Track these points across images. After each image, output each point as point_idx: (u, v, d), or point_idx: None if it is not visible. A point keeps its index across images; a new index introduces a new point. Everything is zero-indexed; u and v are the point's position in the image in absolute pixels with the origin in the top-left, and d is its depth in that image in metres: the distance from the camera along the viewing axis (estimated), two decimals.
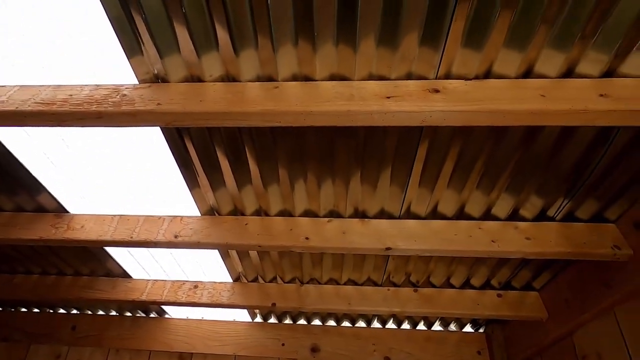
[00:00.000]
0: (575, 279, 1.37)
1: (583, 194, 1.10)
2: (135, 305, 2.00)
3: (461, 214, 1.22)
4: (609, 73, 0.77)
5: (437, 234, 1.15)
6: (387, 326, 2.07)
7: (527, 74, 0.79)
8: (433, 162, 1.02)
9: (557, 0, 0.67)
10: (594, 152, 0.95)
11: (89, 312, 2.15)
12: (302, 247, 1.18)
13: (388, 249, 1.13)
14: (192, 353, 2.05)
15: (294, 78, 0.84)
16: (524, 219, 1.20)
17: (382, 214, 1.23)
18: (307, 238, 1.16)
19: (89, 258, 1.66)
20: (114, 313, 2.15)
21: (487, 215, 1.22)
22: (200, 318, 2.16)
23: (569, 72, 0.77)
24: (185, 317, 2.14)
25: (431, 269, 1.54)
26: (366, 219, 1.21)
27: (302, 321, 2.09)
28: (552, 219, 1.19)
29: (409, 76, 0.80)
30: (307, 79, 0.84)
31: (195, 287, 1.71)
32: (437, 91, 0.75)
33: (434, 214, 1.22)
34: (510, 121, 0.74)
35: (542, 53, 0.75)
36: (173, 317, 2.14)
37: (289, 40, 0.78)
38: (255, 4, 0.73)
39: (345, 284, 1.67)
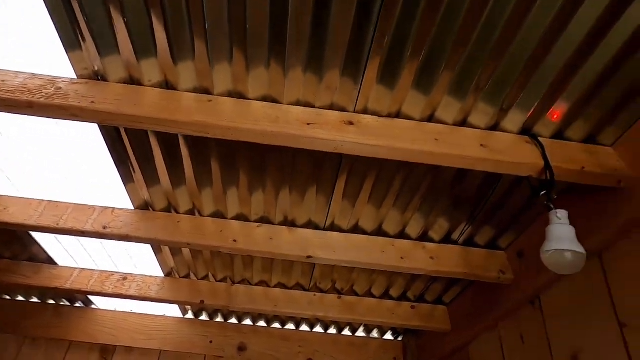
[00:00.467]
0: (475, 296, 1.55)
1: (481, 222, 1.27)
2: (59, 293, 1.94)
3: (379, 231, 1.35)
4: (494, 126, 0.92)
5: (355, 247, 1.27)
6: (314, 330, 2.18)
7: (430, 118, 0.92)
8: (353, 182, 1.14)
9: (459, 49, 0.80)
10: (488, 186, 1.11)
11: (7, 298, 2.05)
12: (230, 249, 1.24)
13: (309, 257, 1.24)
14: (116, 346, 2.02)
15: (229, 94, 0.92)
16: (432, 241, 1.36)
17: (309, 224, 1.33)
18: (235, 240, 1.23)
19: (12, 241, 1.60)
20: (35, 300, 2.07)
21: (402, 234, 1.36)
22: (129, 311, 2.13)
23: (463, 122, 0.92)
24: (112, 309, 2.11)
25: (354, 278, 1.66)
26: (294, 228, 1.31)
27: (233, 320, 2.15)
28: (455, 242, 1.36)
29: (331, 106, 0.91)
30: (241, 96, 0.92)
31: (125, 279, 1.71)
32: (351, 124, 0.86)
33: (355, 229, 1.34)
34: (409, 158, 0.87)
35: (443, 99, 0.88)
36: (100, 308, 2.10)
37: (225, 57, 0.85)
38: (194, 16, 0.78)
39: (275, 286, 1.75)
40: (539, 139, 0.91)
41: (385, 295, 1.79)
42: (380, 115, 0.90)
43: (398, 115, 0.91)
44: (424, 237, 1.36)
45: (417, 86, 0.86)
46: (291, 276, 1.67)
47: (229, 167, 1.14)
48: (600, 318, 0.97)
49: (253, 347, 2.02)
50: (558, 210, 0.80)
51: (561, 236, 0.76)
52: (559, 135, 0.94)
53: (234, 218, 1.30)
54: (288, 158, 1.08)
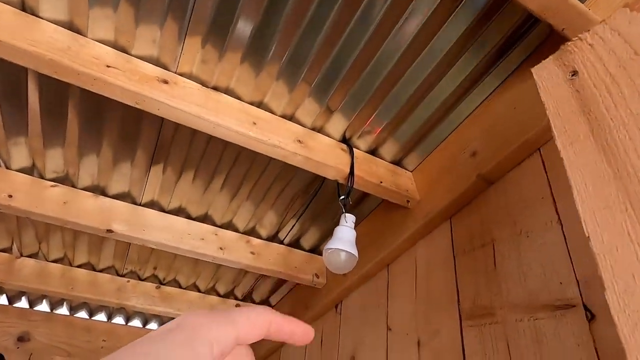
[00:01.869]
0: (294, 298, 1.59)
1: (307, 224, 1.32)
2: None
3: (205, 217, 1.28)
4: (319, 129, 0.96)
5: (171, 230, 1.17)
6: (131, 323, 1.95)
7: (259, 103, 0.91)
8: (176, 156, 1.04)
9: (292, 29, 0.79)
10: (312, 188, 1.15)
11: None
12: (1, 205, 1.00)
13: (109, 231, 1.08)
14: None
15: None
16: (259, 236, 1.35)
17: (124, 196, 1.17)
18: (10, 196, 0.99)
19: None
20: None
21: (229, 225, 1.31)
22: None
23: (291, 116, 0.93)
24: None
25: (178, 266, 1.54)
26: (101, 197, 1.13)
27: (21, 304, 1.76)
28: (281, 242, 1.38)
29: (147, 58, 0.80)
30: (32, 12, 0.75)
31: None
32: (165, 82, 0.78)
33: (179, 211, 1.24)
34: (222, 135, 0.82)
35: (273, 86, 0.87)
36: None
37: None
38: None
39: (79, 266, 1.49)
40: (354, 150, 0.98)
41: (212, 290, 1.71)
42: (206, 85, 0.84)
43: (227, 91, 0.87)
44: (252, 232, 1.34)
45: (249, 64, 0.83)
46: (100, 256, 1.45)
47: (14, 100, 0.92)
48: (375, 323, 1.08)
49: (40, 337, 1.68)
50: (347, 215, 0.86)
51: (343, 237, 0.81)
52: (373, 152, 1.03)
53: (21, 170, 1.06)
54: (106, 109, 0.92)
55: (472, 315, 0.77)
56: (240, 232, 1.32)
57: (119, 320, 1.94)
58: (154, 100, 0.75)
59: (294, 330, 0.25)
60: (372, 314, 1.11)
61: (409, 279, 1.00)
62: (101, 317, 1.90)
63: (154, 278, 1.61)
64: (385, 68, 0.81)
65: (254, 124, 0.84)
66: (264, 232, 1.34)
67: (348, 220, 0.84)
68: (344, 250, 0.79)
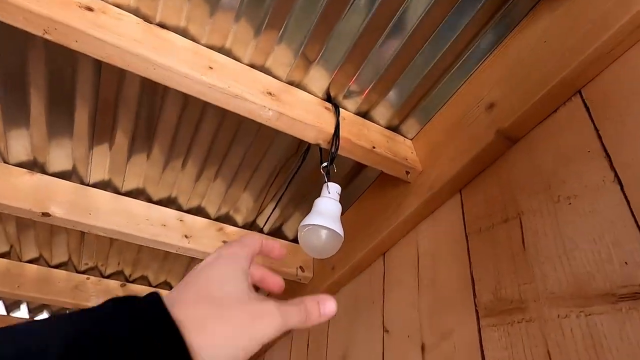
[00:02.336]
0: (277, 294, 1.41)
1: (290, 209, 1.13)
2: None
3: (170, 200, 1.09)
4: (297, 84, 0.78)
5: (125, 214, 0.98)
6: None
7: (221, 49, 0.72)
8: (126, 121, 0.86)
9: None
10: (293, 162, 0.96)
11: None
12: None
13: (45, 214, 0.89)
14: None
15: None
16: (234, 223, 1.16)
17: (69, 175, 0.98)
18: None
19: None
20: None
21: (199, 210, 1.13)
22: None
23: (262, 66, 0.74)
24: None
25: (144, 261, 1.35)
26: (39, 174, 0.94)
27: None
28: (260, 230, 1.19)
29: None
30: None
31: None
32: (90, 9, 0.59)
33: (138, 193, 1.05)
34: (168, 81, 0.64)
35: (234, 28, 0.69)
36: None
37: None
38: None
39: (29, 261, 1.30)
40: (341, 110, 0.80)
41: None
42: (149, 21, 0.65)
43: (177, 30, 0.68)
44: (226, 218, 1.16)
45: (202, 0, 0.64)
46: (53, 249, 1.26)
47: None
48: (369, 323, 0.89)
49: None
50: (330, 184, 0.67)
51: (324, 211, 0.63)
52: (364, 115, 0.84)
53: None
54: (29, 63, 0.73)
55: (493, 312, 0.59)
56: (211, 219, 1.13)
57: None
58: (71, 29, 0.56)
59: (274, 246, 0.38)
60: (366, 313, 0.92)
61: (410, 269, 0.82)
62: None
63: (119, 275, 1.42)
64: (372, 4, 0.63)
65: (210, 68, 0.65)
66: (239, 218, 1.15)
67: (331, 191, 0.65)
68: (325, 228, 0.60)
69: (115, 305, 0.25)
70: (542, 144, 0.60)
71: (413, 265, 0.81)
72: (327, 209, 0.63)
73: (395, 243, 0.89)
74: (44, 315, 1.67)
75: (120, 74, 0.76)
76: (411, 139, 0.88)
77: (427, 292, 0.74)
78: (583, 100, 0.56)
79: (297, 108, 0.71)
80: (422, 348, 0.70)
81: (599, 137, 0.52)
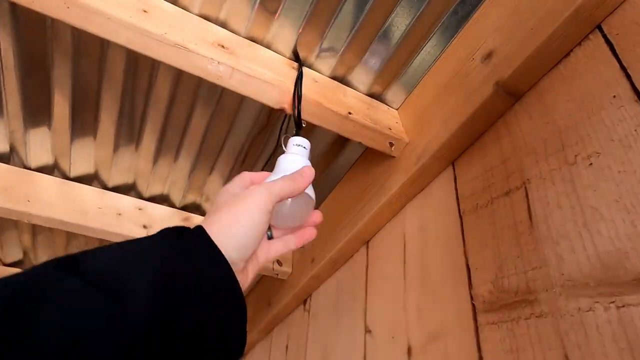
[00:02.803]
0: (257, 292, 1.29)
1: None
2: None
3: (128, 187, 0.97)
4: (260, 41, 0.66)
5: (70, 202, 0.86)
6: None
7: None
8: (62, 90, 0.74)
9: None
10: (263, 136, 0.84)
11: None
12: None
13: None
14: None
15: None
16: (203, 213, 1.04)
17: (5, 157, 0.85)
18: None
19: None
20: None
21: (162, 198, 1.00)
22: None
23: (210, 17, 0.63)
24: None
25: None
26: None
27: None
28: None
29: None
30: None
31: None
32: None
33: (91, 178, 0.93)
34: (99, 31, 0.52)
35: None
36: None
37: None
38: None
39: None
40: (312, 71, 0.68)
41: None
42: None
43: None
44: (194, 207, 1.03)
45: None
46: (4, 246, 1.13)
47: None
48: (350, 322, 0.77)
49: None
50: (295, 137, 0.51)
51: (288, 168, 0.48)
52: (342, 80, 0.73)
53: None
54: None
55: (493, 306, 0.47)
56: (176, 207, 1.01)
57: None
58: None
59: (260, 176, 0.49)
60: (347, 311, 0.80)
61: (396, 259, 0.70)
62: None
63: None
64: None
65: (145, 11, 0.53)
66: (209, 207, 1.04)
67: (298, 143, 0.51)
68: None
69: (176, 239, 0.35)
70: (552, 96, 0.48)
71: (399, 254, 0.69)
72: (292, 164, 0.50)
73: (379, 229, 0.77)
74: None
75: (43, 24, 0.63)
76: (396, 109, 0.76)
77: (415, 285, 0.62)
78: (604, 36, 0.45)
79: (256, 64, 0.59)
80: (409, 351, 0.58)
81: (628, 77, 0.40)
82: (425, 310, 0.58)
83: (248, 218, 0.38)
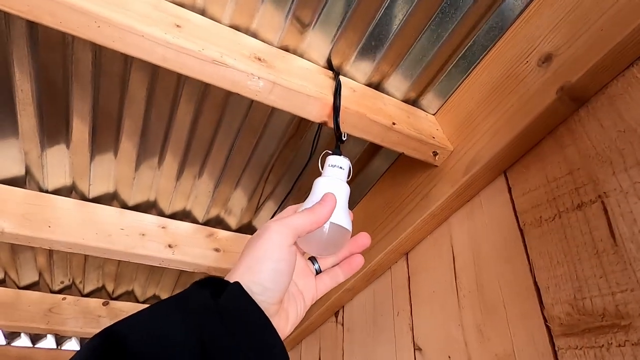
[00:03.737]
0: None
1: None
2: None
3: (149, 204, 0.93)
4: (294, 50, 0.62)
5: (91, 224, 0.81)
6: (65, 347, 1.60)
7: (193, 6, 0.56)
8: (80, 108, 0.69)
9: None
10: (290, 148, 0.81)
11: None
12: None
13: None
14: None
15: None
16: (227, 227, 1.01)
17: (23, 181, 0.81)
18: None
19: None
20: None
21: (184, 214, 0.97)
22: None
23: (247, 30, 0.59)
24: None
25: (127, 275, 1.19)
26: None
27: None
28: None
29: None
30: None
31: None
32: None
33: (109, 198, 0.89)
34: (128, 49, 0.48)
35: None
36: None
37: None
38: None
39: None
40: (349, 80, 0.64)
41: None
42: None
43: None
44: (217, 222, 1.00)
45: None
46: (18, 269, 1.09)
47: None
48: (395, 338, 0.74)
49: None
50: (333, 157, 0.48)
51: (321, 194, 0.45)
52: (378, 87, 0.69)
53: None
54: None
55: (574, 329, 0.44)
56: (199, 223, 0.97)
57: (47, 343, 1.57)
58: None
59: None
60: (389, 327, 0.77)
61: (444, 273, 0.67)
62: (24, 341, 1.54)
63: (101, 291, 1.26)
64: None
65: (178, 26, 0.49)
66: (233, 222, 1.00)
67: (332, 164, 0.47)
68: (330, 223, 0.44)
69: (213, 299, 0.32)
70: (626, 101, 0.45)
71: (448, 267, 0.66)
72: (323, 191, 0.46)
73: (421, 240, 0.74)
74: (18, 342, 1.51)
75: (64, 42, 0.59)
76: (433, 114, 0.72)
77: (471, 302, 0.59)
78: None
79: (295, 77, 0.55)
80: None
81: None
82: (487, 330, 0.55)
83: (269, 260, 0.35)
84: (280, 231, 0.36)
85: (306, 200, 0.47)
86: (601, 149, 0.46)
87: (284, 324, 0.39)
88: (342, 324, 0.95)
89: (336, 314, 1.00)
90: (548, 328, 0.47)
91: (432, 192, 0.67)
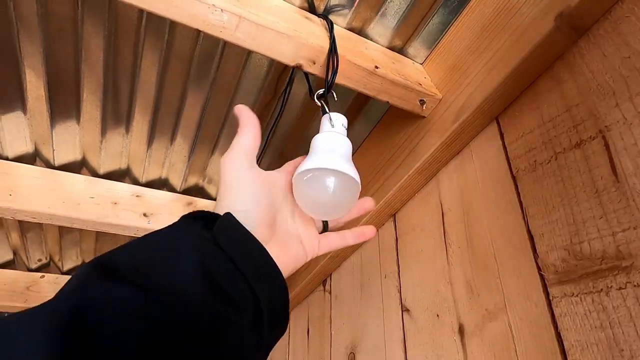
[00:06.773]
0: None
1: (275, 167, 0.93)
2: None
3: (120, 173, 0.87)
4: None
5: (58, 192, 0.76)
6: None
7: None
8: (34, 67, 0.63)
9: None
10: (272, 107, 0.75)
11: None
12: None
13: None
14: None
15: None
16: (207, 196, 0.96)
17: None
18: None
19: None
20: None
21: (160, 183, 0.92)
22: None
23: None
24: None
25: (109, 249, 1.14)
26: None
27: None
28: None
29: None
30: None
31: None
32: None
33: (78, 165, 0.83)
34: None
35: None
36: None
37: None
38: None
39: None
40: (323, 22, 0.58)
41: None
42: None
43: None
44: (197, 190, 0.95)
45: None
46: None
47: None
48: (382, 302, 0.72)
49: None
50: (333, 114, 0.45)
51: (330, 150, 0.41)
52: (360, 33, 0.63)
53: None
54: None
55: (570, 276, 0.41)
56: (177, 192, 0.92)
57: None
58: None
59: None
60: (376, 291, 0.74)
61: (433, 230, 0.63)
62: None
63: None
64: None
65: None
66: (213, 190, 0.95)
67: (336, 123, 0.43)
68: (334, 171, 0.39)
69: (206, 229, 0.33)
70: (631, 23, 0.40)
71: (436, 225, 0.63)
72: (334, 147, 0.42)
73: (408, 199, 0.70)
74: None
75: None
76: (421, 64, 0.67)
77: (461, 257, 0.56)
78: None
79: (264, 11, 0.50)
80: (461, 331, 0.53)
81: None
82: (478, 285, 0.52)
83: (232, 187, 0.37)
84: (230, 158, 0.38)
85: (308, 156, 0.43)
86: (603, 80, 0.42)
87: (284, 254, 0.37)
88: (330, 292, 0.92)
89: (324, 283, 0.97)
90: (542, 277, 0.43)
91: (419, 146, 0.62)
